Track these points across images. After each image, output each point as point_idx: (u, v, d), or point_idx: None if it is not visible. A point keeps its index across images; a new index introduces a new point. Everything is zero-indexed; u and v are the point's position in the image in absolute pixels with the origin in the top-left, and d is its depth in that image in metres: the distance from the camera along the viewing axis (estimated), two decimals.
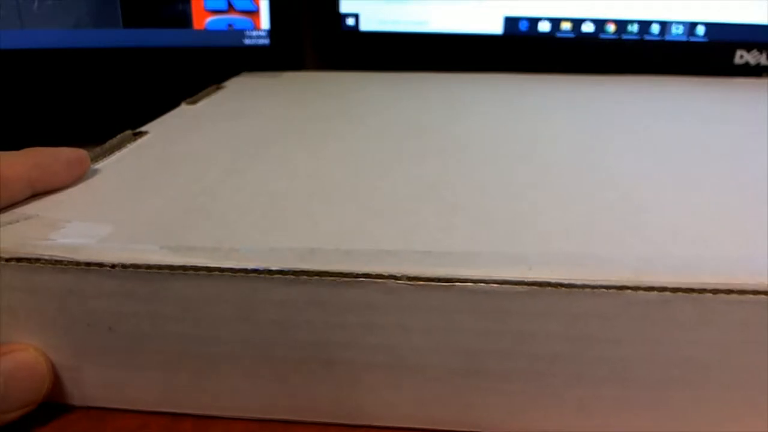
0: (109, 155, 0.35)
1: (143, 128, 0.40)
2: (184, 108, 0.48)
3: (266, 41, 0.69)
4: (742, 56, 0.65)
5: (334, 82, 0.61)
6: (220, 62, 0.69)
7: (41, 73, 0.65)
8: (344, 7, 0.70)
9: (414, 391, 0.24)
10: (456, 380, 0.24)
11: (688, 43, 0.66)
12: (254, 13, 0.68)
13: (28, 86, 0.65)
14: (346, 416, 0.25)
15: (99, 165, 0.33)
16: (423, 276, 0.22)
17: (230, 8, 0.68)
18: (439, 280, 0.22)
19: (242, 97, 0.53)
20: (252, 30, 0.69)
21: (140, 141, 0.38)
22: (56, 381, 0.26)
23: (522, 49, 0.69)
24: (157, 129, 0.41)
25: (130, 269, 0.23)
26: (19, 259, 0.24)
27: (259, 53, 0.69)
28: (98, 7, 0.64)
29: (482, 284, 0.22)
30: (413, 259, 0.23)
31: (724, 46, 0.65)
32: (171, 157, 0.35)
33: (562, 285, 0.22)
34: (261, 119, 0.45)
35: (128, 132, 0.38)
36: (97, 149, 0.35)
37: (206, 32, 0.68)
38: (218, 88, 0.56)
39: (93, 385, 0.26)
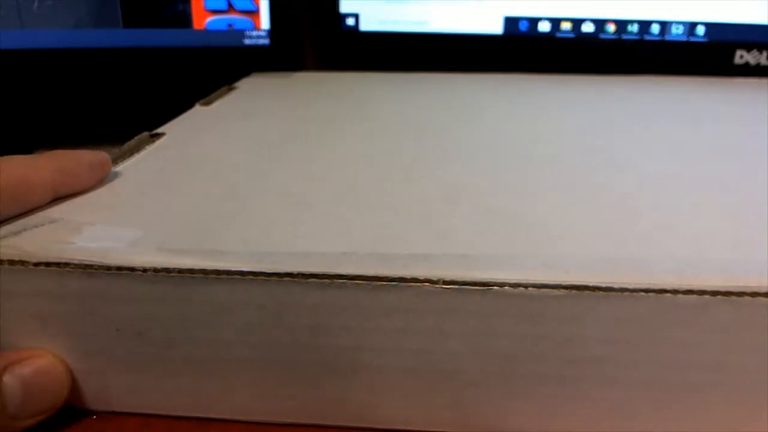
0: (128, 157, 0.35)
1: (159, 130, 0.40)
2: (198, 109, 0.48)
3: (266, 41, 0.69)
4: (742, 56, 0.65)
5: (345, 83, 0.61)
6: (220, 62, 0.68)
7: (41, 73, 0.64)
8: (344, 7, 0.70)
9: (449, 396, 0.24)
10: (492, 384, 0.24)
11: (688, 43, 0.66)
12: (254, 13, 0.68)
13: (29, 86, 0.65)
14: (378, 421, 0.25)
15: (119, 167, 0.33)
16: (459, 280, 0.22)
17: (230, 8, 0.67)
18: (475, 284, 0.22)
19: (256, 98, 0.53)
20: (252, 30, 0.68)
21: (158, 143, 0.38)
22: (81, 386, 0.26)
23: (522, 49, 0.69)
24: (173, 130, 0.41)
25: (162, 273, 0.23)
26: (48, 264, 0.23)
27: (259, 53, 0.69)
28: (98, 7, 0.64)
29: (520, 288, 0.22)
30: (449, 263, 0.23)
31: (724, 46, 0.65)
32: (191, 159, 0.35)
33: (600, 288, 0.22)
34: (277, 120, 0.45)
35: (145, 133, 0.38)
36: (116, 151, 0.34)
37: (206, 32, 0.67)
38: (230, 89, 0.56)
39: (119, 390, 0.26)
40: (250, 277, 0.23)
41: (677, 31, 0.65)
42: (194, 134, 0.41)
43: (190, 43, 0.67)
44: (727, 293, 0.22)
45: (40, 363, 0.24)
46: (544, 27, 0.68)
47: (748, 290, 0.21)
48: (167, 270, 0.23)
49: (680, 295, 0.22)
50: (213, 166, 0.34)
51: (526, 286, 0.22)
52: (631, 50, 0.67)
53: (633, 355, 0.23)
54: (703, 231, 0.26)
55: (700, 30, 0.65)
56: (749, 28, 0.64)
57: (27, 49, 0.63)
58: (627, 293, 0.22)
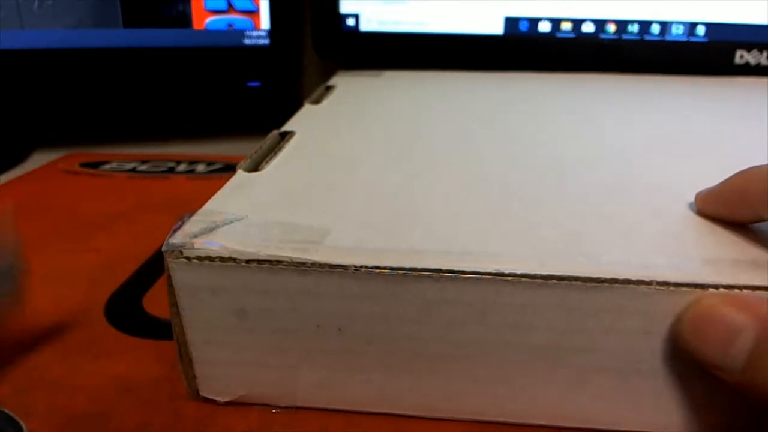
0: (270, 157, 0.33)
1: (283, 129, 0.38)
2: (310, 108, 0.47)
3: (266, 41, 0.68)
4: (742, 56, 0.66)
5: (436, 82, 0.60)
6: (220, 62, 0.68)
7: (41, 73, 0.63)
8: (344, 8, 0.70)
9: (645, 396, 0.24)
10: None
11: (688, 43, 0.67)
12: (254, 13, 0.67)
13: (29, 86, 0.63)
14: (568, 420, 0.25)
15: (269, 166, 0.32)
16: (673, 281, 0.22)
17: (230, 8, 0.67)
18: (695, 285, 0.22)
19: (361, 97, 0.53)
20: (252, 30, 0.68)
21: (293, 142, 0.36)
22: (266, 382, 0.26)
23: (522, 49, 0.69)
24: (300, 129, 0.39)
25: (375, 272, 0.23)
26: (260, 261, 0.23)
27: (259, 53, 0.68)
28: (98, 7, 0.63)
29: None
30: (664, 265, 0.23)
31: (724, 46, 0.67)
32: (336, 158, 0.34)
33: None
34: (399, 119, 0.44)
35: (275, 132, 0.37)
36: (253, 154, 0.33)
37: (206, 32, 0.67)
38: (328, 89, 0.55)
39: (306, 386, 0.25)
40: (462, 276, 0.22)
41: (677, 31, 0.67)
42: (324, 133, 0.39)
43: (190, 43, 0.66)
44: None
45: None
46: (544, 27, 0.68)
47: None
48: (380, 268, 0.22)
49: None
50: (364, 166, 0.33)
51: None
52: (631, 50, 0.68)
53: None
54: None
55: (701, 30, 0.67)
56: (749, 28, 0.66)
57: (27, 49, 0.61)
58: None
